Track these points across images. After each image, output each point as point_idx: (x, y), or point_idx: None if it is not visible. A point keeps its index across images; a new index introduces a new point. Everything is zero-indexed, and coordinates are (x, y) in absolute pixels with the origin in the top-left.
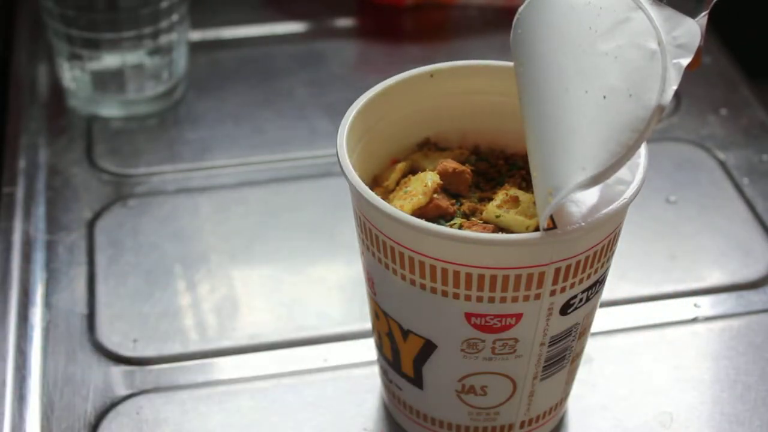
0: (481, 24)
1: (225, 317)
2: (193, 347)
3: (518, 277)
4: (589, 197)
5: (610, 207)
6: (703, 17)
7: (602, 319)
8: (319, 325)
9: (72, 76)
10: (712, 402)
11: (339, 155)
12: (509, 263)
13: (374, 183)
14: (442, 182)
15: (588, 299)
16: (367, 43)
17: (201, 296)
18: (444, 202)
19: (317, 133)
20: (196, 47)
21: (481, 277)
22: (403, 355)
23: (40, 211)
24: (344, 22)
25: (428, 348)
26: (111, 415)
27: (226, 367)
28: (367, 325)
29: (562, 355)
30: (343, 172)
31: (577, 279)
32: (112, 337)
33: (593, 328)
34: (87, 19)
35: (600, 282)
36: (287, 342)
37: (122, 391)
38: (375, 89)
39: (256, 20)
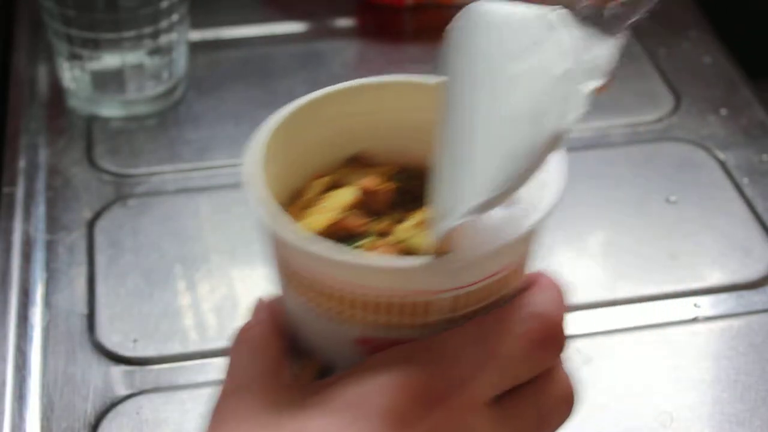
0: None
1: (225, 317)
2: (193, 347)
3: (413, 304)
4: (495, 222)
5: (505, 238)
6: (618, 38)
7: (602, 319)
8: None
9: (72, 76)
10: (712, 402)
11: (245, 163)
12: (402, 289)
13: (295, 196)
14: (359, 200)
15: None
16: (367, 43)
17: (201, 296)
18: (358, 220)
19: None
20: (196, 47)
21: (373, 303)
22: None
23: (40, 211)
24: (344, 22)
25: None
26: (111, 415)
27: (226, 367)
28: None
29: None
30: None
31: (479, 307)
32: (112, 337)
33: (593, 328)
34: (87, 19)
35: None
36: None
37: (122, 391)
38: (300, 101)
39: (256, 20)
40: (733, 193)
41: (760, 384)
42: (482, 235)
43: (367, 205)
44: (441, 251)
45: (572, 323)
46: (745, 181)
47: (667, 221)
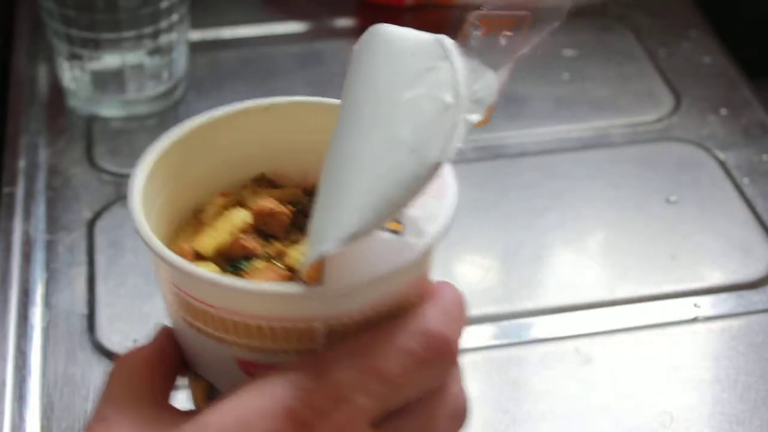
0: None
1: None
2: None
3: (287, 330)
4: (380, 248)
5: (385, 268)
6: (504, 70)
7: (602, 319)
8: None
9: (72, 76)
10: (712, 402)
11: (133, 174)
12: (274, 314)
13: (195, 215)
14: (253, 221)
15: None
16: None
17: None
18: (251, 242)
19: None
20: (196, 47)
21: (247, 326)
22: (196, 393)
23: (40, 211)
24: (344, 22)
25: (213, 390)
26: None
27: None
28: None
29: None
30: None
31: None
32: (112, 337)
33: (593, 328)
34: (87, 19)
35: None
36: None
37: None
38: (201, 118)
39: (256, 20)
40: (733, 193)
41: (760, 384)
42: (363, 262)
43: (263, 227)
44: (315, 278)
45: (572, 323)
46: (745, 181)
47: (667, 221)
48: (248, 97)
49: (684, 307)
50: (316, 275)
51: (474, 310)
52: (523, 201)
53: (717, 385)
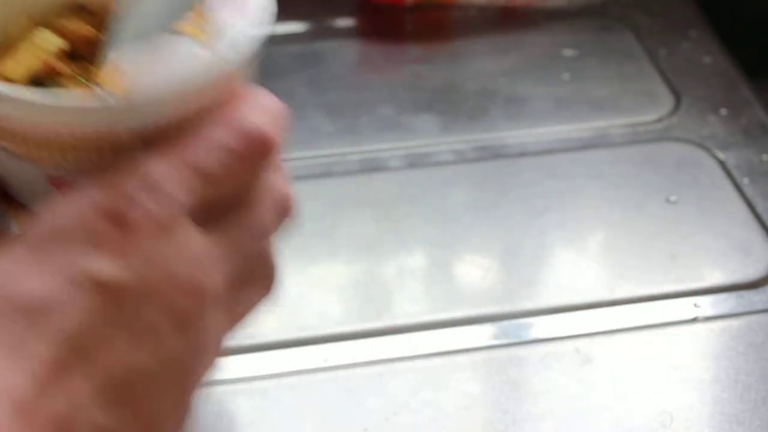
0: (481, 24)
1: None
2: None
3: (91, 141)
4: (179, 58)
5: (186, 76)
6: None
7: (602, 319)
8: (319, 325)
9: None
10: (712, 402)
11: None
12: (73, 125)
13: (3, 41)
14: (64, 46)
15: None
16: (367, 43)
17: None
18: (61, 65)
19: (317, 133)
20: None
21: (49, 140)
22: (19, 223)
23: None
24: (344, 22)
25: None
26: None
27: (226, 367)
28: (367, 325)
29: None
30: None
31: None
32: None
33: (593, 328)
34: None
35: None
36: (287, 342)
37: None
38: None
39: None
40: (733, 193)
41: (760, 384)
42: (167, 70)
43: (74, 52)
44: (120, 89)
45: (572, 323)
46: (745, 181)
47: (667, 221)
48: None
49: (684, 307)
50: (118, 84)
51: (474, 310)
52: (523, 201)
53: (717, 385)
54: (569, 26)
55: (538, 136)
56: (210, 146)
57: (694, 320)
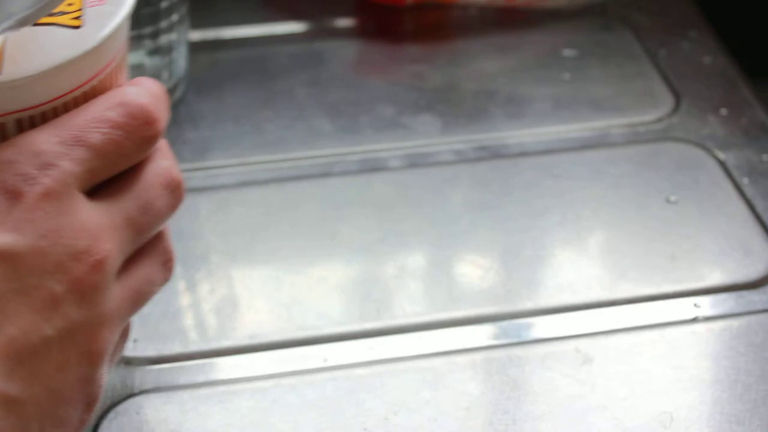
0: (481, 24)
1: (225, 317)
2: (193, 347)
3: None
4: (52, 44)
5: (60, 58)
6: None
7: (602, 319)
8: (319, 325)
9: None
10: (712, 402)
11: None
12: None
13: None
14: None
15: None
16: (367, 43)
17: (201, 296)
18: None
19: (317, 133)
20: (196, 47)
21: None
22: None
23: None
24: (344, 22)
25: None
26: (111, 415)
27: (226, 367)
28: (367, 325)
29: None
30: None
31: None
32: None
33: (593, 328)
34: None
35: None
36: (287, 342)
37: (122, 391)
38: None
39: (256, 20)
40: (733, 193)
41: (760, 384)
42: (40, 53)
43: None
44: None
45: (572, 323)
46: (745, 181)
47: (667, 221)
48: (248, 98)
49: (684, 307)
50: None
51: (474, 310)
52: (523, 201)
53: (717, 385)
54: (569, 26)
55: (538, 136)
56: (94, 119)
57: (694, 320)
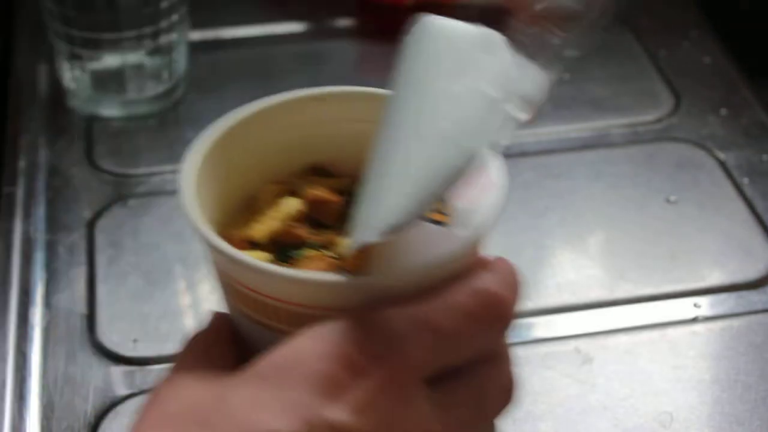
0: (481, 24)
1: None
2: None
3: (327, 317)
4: (424, 238)
5: (426, 259)
6: (553, 69)
7: (602, 319)
8: None
9: (72, 76)
10: (712, 402)
11: (184, 161)
12: (319, 303)
13: (249, 202)
14: (305, 210)
15: None
16: (367, 43)
17: (201, 296)
18: (301, 230)
19: None
20: (196, 47)
21: (294, 314)
22: None
23: (40, 211)
24: (344, 22)
25: None
26: (111, 415)
27: None
28: None
29: None
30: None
31: None
32: (112, 337)
33: (593, 328)
34: (87, 19)
35: None
36: None
37: (122, 391)
38: (254, 105)
39: (256, 20)
40: (733, 193)
41: (760, 384)
42: (408, 253)
43: (315, 216)
44: (360, 267)
45: (572, 323)
46: (745, 181)
47: (667, 221)
48: (248, 98)
49: (684, 307)
50: (360, 264)
51: None
52: (523, 201)
53: (717, 385)
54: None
55: (538, 136)
56: (447, 305)
57: (694, 320)
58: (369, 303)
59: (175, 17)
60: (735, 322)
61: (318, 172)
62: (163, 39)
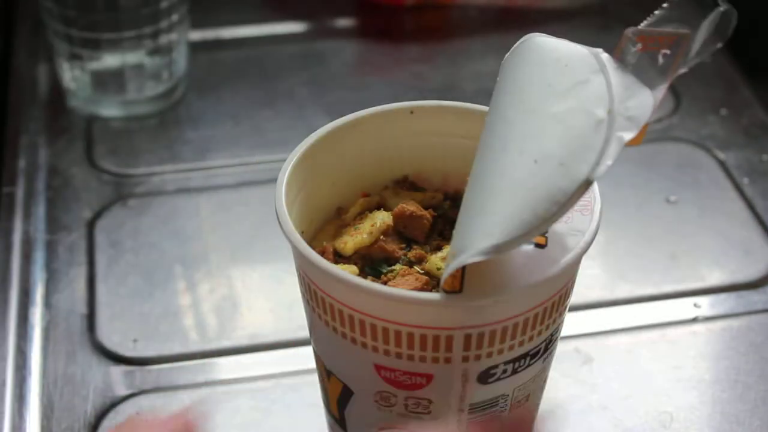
0: (481, 24)
1: (225, 317)
2: (193, 347)
3: (424, 337)
4: (523, 261)
5: (523, 282)
6: (660, 89)
7: (602, 319)
8: None
9: (72, 76)
10: (712, 402)
11: (280, 177)
12: (412, 320)
13: (337, 213)
14: (393, 224)
15: (515, 371)
16: (367, 43)
17: (201, 296)
18: (391, 245)
19: None
20: (196, 47)
21: (386, 330)
22: (330, 394)
23: (40, 211)
24: (344, 22)
25: (347, 392)
26: (111, 415)
27: (226, 367)
28: None
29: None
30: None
31: (495, 348)
32: (112, 337)
33: (593, 328)
34: (87, 19)
35: (533, 356)
36: (287, 342)
37: (122, 391)
38: (346, 118)
39: (256, 20)
40: (733, 193)
41: (760, 384)
42: (504, 274)
43: (403, 230)
44: (454, 286)
45: (572, 323)
46: (745, 181)
47: (667, 221)
48: (248, 98)
49: (684, 307)
50: (455, 283)
51: None
52: None
53: (717, 385)
54: (569, 26)
55: None
56: None
57: (694, 320)
58: (457, 325)
59: (175, 17)
60: (735, 322)
61: (405, 185)
62: (163, 39)
